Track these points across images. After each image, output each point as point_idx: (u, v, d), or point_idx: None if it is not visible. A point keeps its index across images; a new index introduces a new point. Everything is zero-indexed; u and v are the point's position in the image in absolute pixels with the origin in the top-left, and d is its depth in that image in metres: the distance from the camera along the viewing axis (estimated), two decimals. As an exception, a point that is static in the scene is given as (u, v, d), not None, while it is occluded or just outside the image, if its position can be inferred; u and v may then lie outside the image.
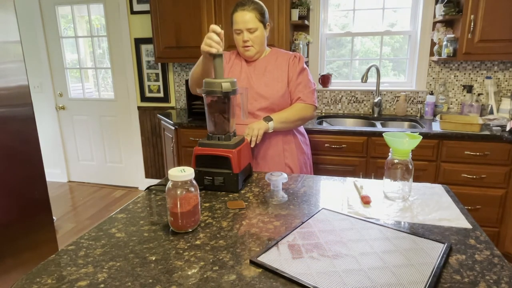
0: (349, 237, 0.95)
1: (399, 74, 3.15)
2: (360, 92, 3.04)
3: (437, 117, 2.62)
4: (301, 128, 1.85)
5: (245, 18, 1.59)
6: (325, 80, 3.09)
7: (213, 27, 1.36)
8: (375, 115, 2.95)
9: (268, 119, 1.60)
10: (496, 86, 2.73)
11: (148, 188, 1.34)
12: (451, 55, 2.59)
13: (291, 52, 1.75)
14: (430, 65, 2.89)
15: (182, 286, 0.76)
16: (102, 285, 0.77)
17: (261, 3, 1.65)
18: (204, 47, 1.37)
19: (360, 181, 1.36)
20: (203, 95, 1.32)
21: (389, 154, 1.19)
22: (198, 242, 0.95)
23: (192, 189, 0.98)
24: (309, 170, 1.85)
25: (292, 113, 1.67)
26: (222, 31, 1.38)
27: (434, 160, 2.39)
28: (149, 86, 3.56)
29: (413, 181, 1.23)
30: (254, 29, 1.61)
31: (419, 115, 2.91)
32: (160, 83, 3.51)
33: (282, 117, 1.64)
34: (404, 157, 1.16)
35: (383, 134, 1.19)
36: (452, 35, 2.60)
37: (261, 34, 1.64)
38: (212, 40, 1.34)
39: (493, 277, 0.78)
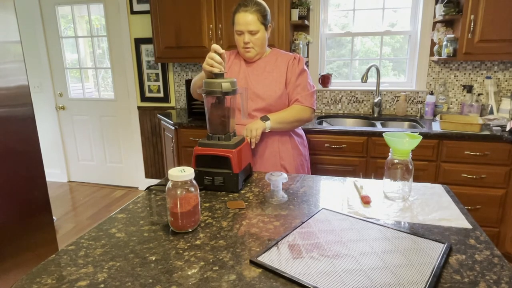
0: (349, 237, 0.95)
1: (399, 74, 3.15)
2: (360, 92, 3.04)
3: (437, 117, 2.62)
4: (299, 129, 1.84)
5: (247, 19, 1.58)
6: (325, 80, 3.09)
7: (215, 47, 1.38)
8: (375, 115, 2.95)
9: (265, 118, 1.60)
10: (496, 86, 2.73)
11: (148, 188, 1.34)
12: (451, 55, 2.59)
13: (291, 53, 1.74)
14: (430, 65, 2.89)
15: (182, 286, 0.76)
16: (102, 285, 0.77)
17: (263, 3, 1.64)
18: (206, 66, 1.39)
19: (360, 181, 1.36)
20: (203, 95, 1.32)
21: (389, 154, 1.19)
22: (198, 242, 0.95)
23: (192, 189, 0.98)
24: (306, 171, 1.84)
25: (290, 114, 1.66)
26: (224, 51, 1.39)
27: (434, 160, 2.39)
28: (149, 86, 3.56)
29: (413, 181, 1.23)
30: (256, 31, 1.61)
31: (419, 115, 2.91)
32: (160, 83, 3.51)
33: (280, 117, 1.63)
34: (404, 157, 1.16)
35: (383, 134, 1.19)
36: (452, 35, 2.60)
37: (262, 36, 1.64)
38: (214, 60, 1.36)
39: (493, 277, 0.78)
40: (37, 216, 2.11)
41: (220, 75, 1.33)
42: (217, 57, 1.37)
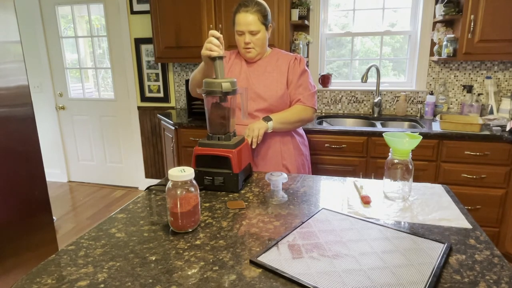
0: (349, 237, 0.95)
1: (399, 74, 3.15)
2: (360, 92, 3.04)
3: (437, 117, 2.62)
4: (300, 129, 1.84)
5: (248, 20, 1.58)
6: (325, 80, 3.09)
7: (213, 32, 1.38)
8: (375, 115, 2.95)
9: (267, 119, 1.60)
10: (496, 86, 2.73)
11: (148, 188, 1.34)
12: (451, 55, 2.59)
13: (291, 54, 1.74)
14: (430, 65, 2.89)
15: (182, 286, 0.76)
16: (102, 285, 0.77)
17: (264, 4, 1.64)
18: (204, 51, 1.38)
19: (360, 181, 1.36)
20: (203, 95, 1.32)
21: (389, 154, 1.19)
22: (198, 242, 0.95)
23: (192, 189, 0.98)
24: (307, 171, 1.84)
25: (292, 114, 1.66)
26: (221, 36, 1.39)
27: (434, 160, 2.39)
28: (149, 86, 3.56)
29: (413, 181, 1.23)
30: (256, 32, 1.61)
31: (419, 115, 2.91)
32: (160, 83, 3.51)
33: (282, 117, 1.64)
34: (404, 157, 1.16)
35: (383, 134, 1.19)
36: (452, 35, 2.60)
37: (263, 36, 1.64)
38: (212, 44, 1.36)
39: (493, 277, 0.78)
40: (37, 216, 2.11)
41: (219, 58, 1.33)
42: (215, 41, 1.36)
